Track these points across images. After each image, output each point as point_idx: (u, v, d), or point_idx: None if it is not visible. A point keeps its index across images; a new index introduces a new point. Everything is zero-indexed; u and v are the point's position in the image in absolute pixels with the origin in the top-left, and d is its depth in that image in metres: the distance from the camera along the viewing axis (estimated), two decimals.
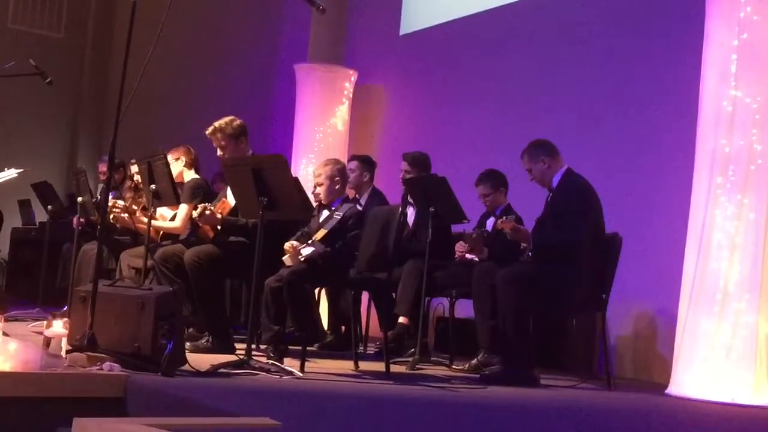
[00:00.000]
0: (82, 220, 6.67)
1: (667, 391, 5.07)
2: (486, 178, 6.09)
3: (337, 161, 5.65)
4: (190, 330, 5.57)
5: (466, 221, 5.87)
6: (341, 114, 9.16)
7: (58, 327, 4.26)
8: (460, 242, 5.90)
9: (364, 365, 5.21)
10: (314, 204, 5.88)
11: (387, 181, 7.02)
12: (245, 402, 3.55)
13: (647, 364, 6.22)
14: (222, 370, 4.31)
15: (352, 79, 9.23)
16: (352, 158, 7.00)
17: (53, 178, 9.65)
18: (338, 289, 6.27)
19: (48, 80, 6.74)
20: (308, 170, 8.35)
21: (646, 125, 6.49)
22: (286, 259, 5.05)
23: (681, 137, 5.85)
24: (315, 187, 5.70)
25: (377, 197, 6.67)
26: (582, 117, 6.96)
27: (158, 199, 5.54)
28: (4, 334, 4.95)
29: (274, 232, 5.01)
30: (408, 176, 6.37)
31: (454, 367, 5.60)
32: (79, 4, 13.36)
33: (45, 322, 4.41)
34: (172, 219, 6.15)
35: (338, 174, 5.50)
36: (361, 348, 6.21)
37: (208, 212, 5.31)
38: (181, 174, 6.16)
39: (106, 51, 13.31)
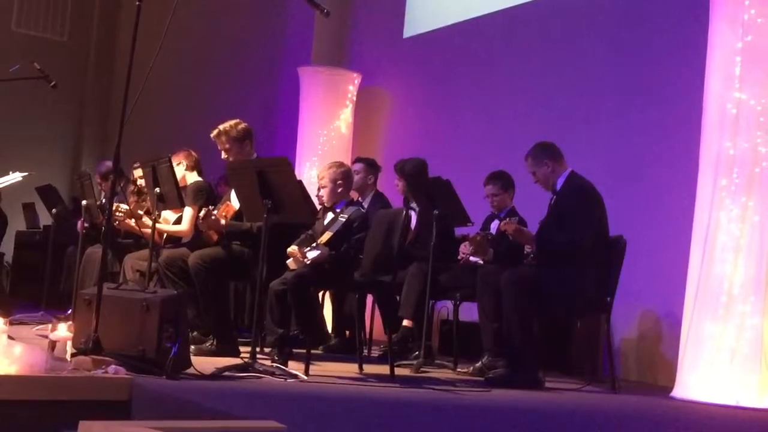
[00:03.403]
0: (86, 223, 6.68)
1: (671, 393, 5.07)
2: (497, 178, 6.09)
3: (341, 164, 5.64)
4: (195, 333, 5.57)
5: (470, 224, 5.87)
6: (345, 117, 9.17)
7: (63, 330, 4.27)
8: (465, 243, 5.90)
9: (368, 368, 5.21)
10: (318, 207, 5.88)
11: (391, 184, 7.02)
12: (250, 405, 3.55)
13: (652, 367, 6.21)
14: (226, 373, 4.31)
15: (356, 81, 9.24)
16: (356, 160, 7.02)
17: (57, 182, 9.66)
18: (342, 292, 6.27)
19: (52, 84, 6.75)
20: (312, 173, 8.36)
21: (650, 128, 6.48)
22: (291, 262, 5.06)
23: (685, 140, 5.84)
24: (318, 189, 5.70)
25: (380, 200, 6.68)
26: (586, 119, 6.96)
27: (162, 202, 5.54)
28: (9, 337, 4.96)
29: (278, 235, 5.02)
30: (400, 183, 6.51)
31: (458, 370, 5.59)
32: (83, 8, 13.39)
33: (50, 326, 4.42)
34: (176, 222, 6.16)
35: (341, 177, 5.48)
36: (366, 351, 6.21)
37: (212, 217, 5.32)
38: (183, 178, 6.17)
39: (110, 54, 13.34)
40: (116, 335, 4.10)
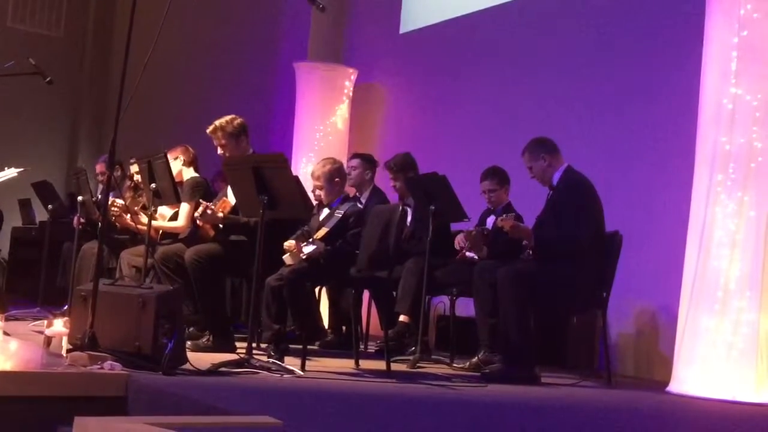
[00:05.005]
0: (82, 219, 6.67)
1: (667, 388, 5.07)
2: (493, 173, 6.09)
3: (334, 160, 5.65)
4: (191, 329, 5.57)
5: (466, 219, 5.87)
6: (341, 113, 9.16)
7: (59, 326, 4.28)
8: (461, 235, 5.90)
9: (364, 364, 5.21)
10: (314, 203, 5.88)
11: (387, 179, 7.01)
12: (246, 401, 3.55)
13: (648, 362, 6.22)
14: (223, 368, 4.31)
15: (352, 77, 9.23)
16: (354, 156, 7.01)
17: (53, 178, 9.64)
18: (339, 287, 6.27)
19: (48, 79, 6.73)
20: (308, 169, 8.32)
21: (646, 123, 6.48)
22: (287, 257, 5.05)
23: (681, 135, 5.84)
24: (314, 190, 5.71)
25: (378, 196, 6.68)
26: (582, 115, 6.96)
27: (158, 198, 5.54)
28: (5, 333, 4.96)
29: (275, 230, 5.01)
30: (397, 182, 6.48)
31: (454, 365, 5.60)
32: (79, 3, 13.36)
33: (46, 322, 4.43)
34: (173, 218, 6.15)
35: (337, 174, 5.51)
36: (362, 346, 6.21)
37: (209, 211, 5.32)
38: (180, 173, 6.16)
39: (105, 50, 13.31)
40: (112, 331, 4.10)
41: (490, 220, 6.01)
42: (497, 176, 6.08)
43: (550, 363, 5.77)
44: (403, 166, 6.51)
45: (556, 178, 5.32)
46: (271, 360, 4.66)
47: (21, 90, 11.04)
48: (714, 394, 4.79)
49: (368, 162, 6.79)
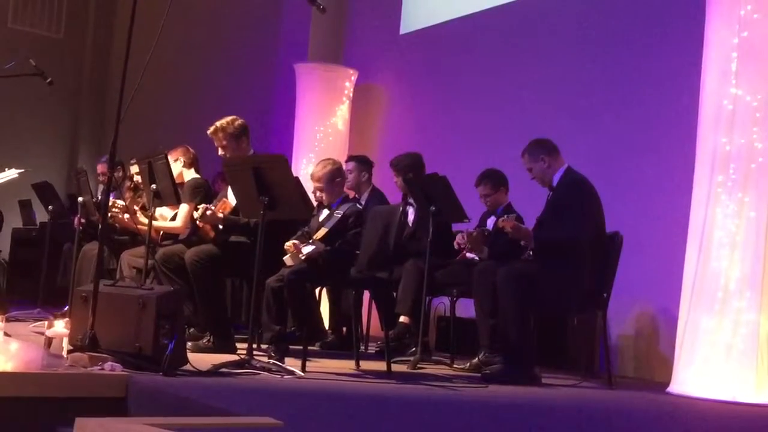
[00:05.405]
0: (83, 220, 6.67)
1: (668, 389, 5.07)
2: (486, 178, 6.08)
3: (333, 161, 5.66)
4: (192, 330, 5.57)
5: (467, 220, 5.87)
6: (341, 113, 9.16)
7: (60, 327, 4.28)
8: (461, 234, 5.90)
9: (365, 364, 5.21)
10: (314, 203, 5.89)
11: (387, 180, 7.02)
12: (247, 401, 3.55)
13: (648, 363, 6.22)
14: (223, 369, 4.31)
15: (353, 78, 9.24)
16: (349, 159, 7.03)
17: (54, 179, 9.66)
18: (339, 288, 6.27)
19: (48, 80, 6.74)
20: (309, 170, 8.33)
21: (646, 124, 6.49)
22: (287, 258, 5.06)
23: (681, 135, 5.85)
24: (315, 191, 5.72)
25: (377, 196, 6.68)
26: (582, 115, 6.96)
27: (159, 198, 5.54)
28: (6, 334, 4.96)
29: (275, 231, 5.02)
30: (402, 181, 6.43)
31: (455, 366, 5.60)
32: (79, 4, 13.36)
33: (46, 322, 4.43)
34: (173, 219, 6.15)
35: (337, 174, 5.53)
36: (363, 347, 6.22)
37: (209, 212, 5.32)
38: (180, 174, 6.16)
39: (106, 51, 13.31)
40: (113, 332, 4.10)
41: (491, 221, 6.01)
42: (490, 180, 6.06)
43: (550, 364, 5.78)
44: (406, 166, 6.47)
45: (556, 179, 5.32)
46: (271, 361, 4.66)
47: (21, 91, 11.04)
48: (714, 395, 4.79)
49: (363, 164, 6.80)
